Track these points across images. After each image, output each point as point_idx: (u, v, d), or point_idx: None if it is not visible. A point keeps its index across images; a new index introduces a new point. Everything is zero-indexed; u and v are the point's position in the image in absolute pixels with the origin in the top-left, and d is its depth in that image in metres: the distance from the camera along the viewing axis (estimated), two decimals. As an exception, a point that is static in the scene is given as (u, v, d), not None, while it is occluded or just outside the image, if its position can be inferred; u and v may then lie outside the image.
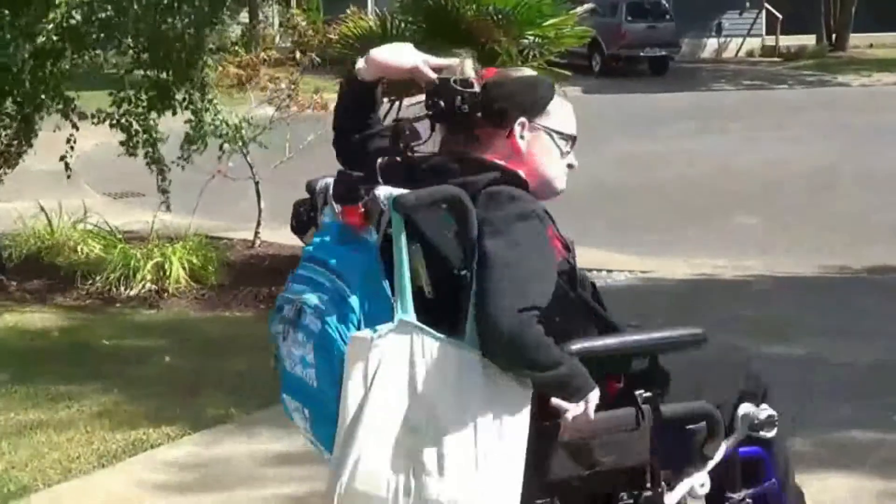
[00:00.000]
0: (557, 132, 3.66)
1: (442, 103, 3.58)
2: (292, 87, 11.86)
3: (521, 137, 3.59)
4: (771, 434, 3.88)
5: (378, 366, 3.29)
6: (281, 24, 17.56)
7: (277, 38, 16.67)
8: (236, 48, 12.04)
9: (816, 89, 31.77)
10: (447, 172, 3.54)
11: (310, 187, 3.74)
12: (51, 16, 9.10)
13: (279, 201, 11.63)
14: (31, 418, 6.74)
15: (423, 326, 3.31)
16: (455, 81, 3.59)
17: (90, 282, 9.79)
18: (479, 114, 3.56)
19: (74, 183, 11.76)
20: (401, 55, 3.69)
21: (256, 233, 11.44)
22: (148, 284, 9.68)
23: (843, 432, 6.30)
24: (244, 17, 17.17)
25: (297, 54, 12.17)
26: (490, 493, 3.26)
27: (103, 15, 9.56)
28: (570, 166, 3.75)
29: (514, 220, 3.39)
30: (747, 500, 3.99)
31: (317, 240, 3.59)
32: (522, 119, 3.58)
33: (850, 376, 7.31)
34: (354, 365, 3.30)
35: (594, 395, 3.40)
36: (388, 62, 3.68)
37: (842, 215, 13.55)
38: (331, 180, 3.64)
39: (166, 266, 9.79)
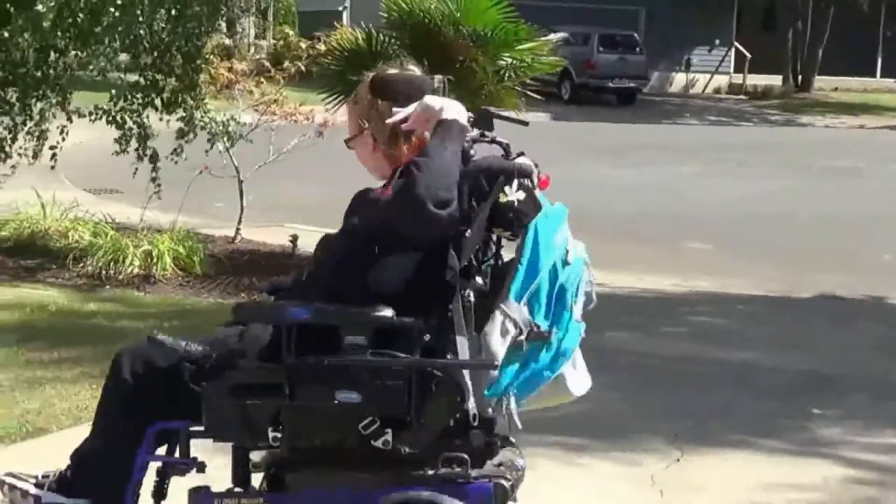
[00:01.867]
0: None
1: None
2: (278, 94, 12.46)
3: None
4: None
5: None
6: (256, 36, 18.15)
7: (252, 50, 17.26)
8: (213, 56, 12.65)
9: (780, 128, 32.46)
10: None
11: None
12: (51, 15, 9.74)
13: (259, 201, 12.37)
14: (38, 376, 7.32)
15: None
16: None
17: (81, 264, 10.25)
18: None
19: (55, 178, 12.12)
20: None
21: (238, 229, 11.96)
22: (136, 269, 10.17)
23: (768, 420, 7.11)
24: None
25: (286, 63, 12.78)
26: None
27: (109, 19, 10.14)
28: None
29: None
30: None
31: None
32: None
33: (779, 378, 8.12)
34: None
35: None
36: None
37: (790, 247, 14.15)
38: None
39: (154, 254, 10.27)
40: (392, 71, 4.34)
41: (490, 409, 3.87)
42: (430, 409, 3.88)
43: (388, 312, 3.85)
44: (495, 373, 3.85)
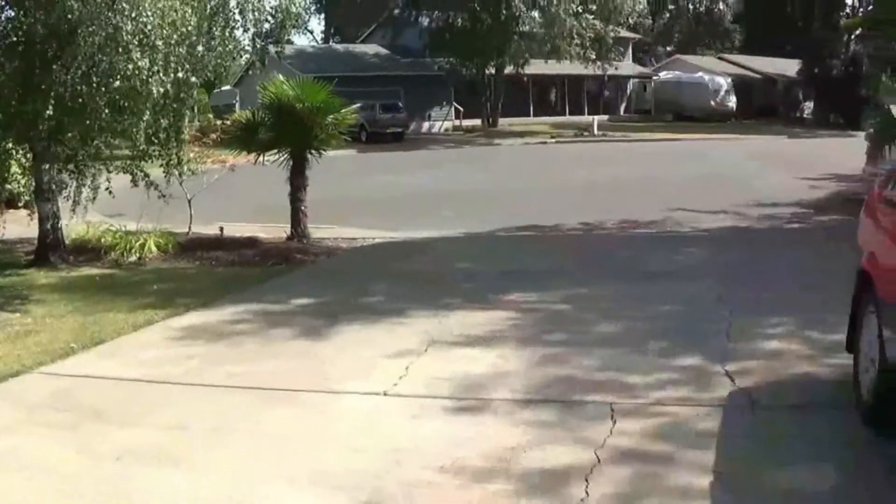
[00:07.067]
0: None
1: None
2: (206, 153, 12.35)
3: None
4: None
5: None
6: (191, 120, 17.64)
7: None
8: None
9: (484, 147, 32.74)
10: None
11: None
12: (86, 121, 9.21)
13: (198, 212, 12.23)
14: (100, 309, 7.50)
15: None
16: None
17: (109, 255, 10.19)
18: None
19: (91, 210, 11.47)
20: None
21: (189, 227, 11.87)
22: (137, 254, 10.19)
23: (480, 293, 7.61)
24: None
25: (210, 136, 12.82)
26: None
27: (119, 120, 9.57)
28: None
29: None
30: None
31: None
32: None
33: (484, 274, 8.62)
34: None
35: None
36: None
37: (500, 208, 14.56)
38: None
39: (146, 245, 10.32)
40: None
41: None
42: None
43: None
44: None
